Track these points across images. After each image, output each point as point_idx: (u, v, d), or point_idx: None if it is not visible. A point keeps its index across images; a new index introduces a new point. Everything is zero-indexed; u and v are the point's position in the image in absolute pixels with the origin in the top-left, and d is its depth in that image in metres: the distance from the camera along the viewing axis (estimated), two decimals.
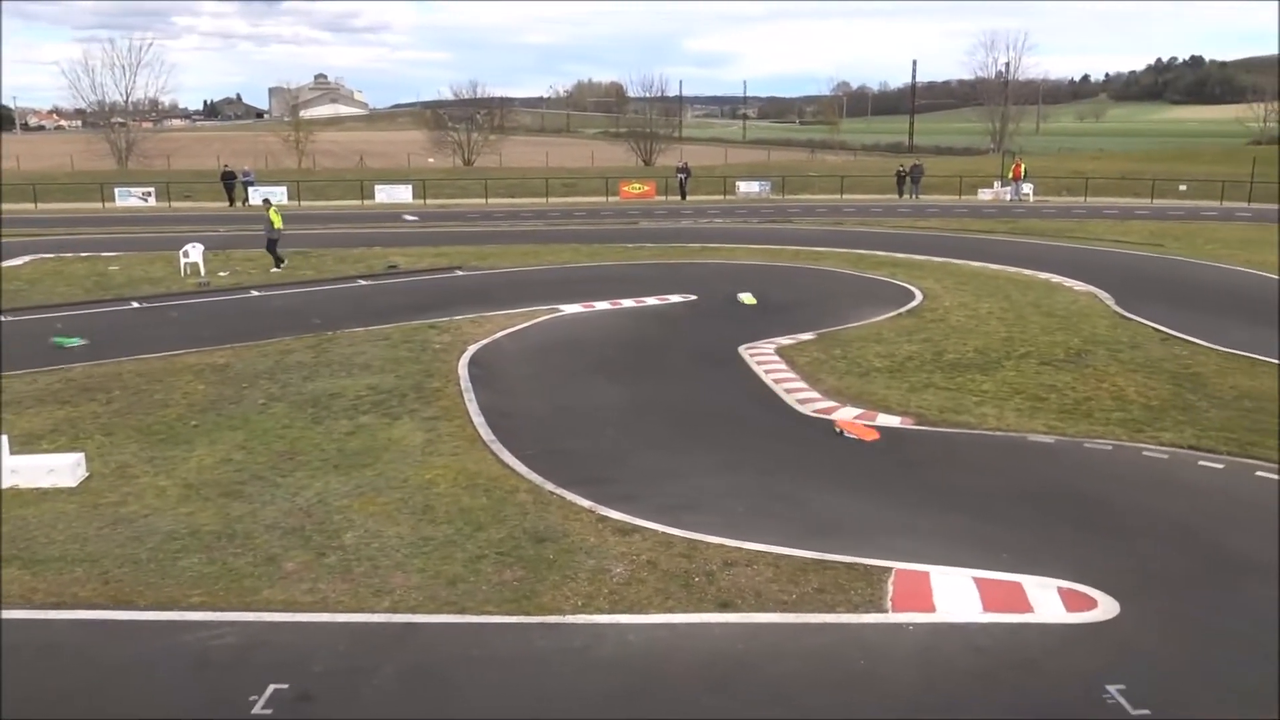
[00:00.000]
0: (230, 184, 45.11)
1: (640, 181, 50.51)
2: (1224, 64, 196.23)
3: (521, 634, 7.59)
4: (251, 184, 45.12)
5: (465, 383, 14.59)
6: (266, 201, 28.71)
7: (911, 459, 11.60)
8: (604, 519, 9.59)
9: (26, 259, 27.19)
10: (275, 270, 25.09)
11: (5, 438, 10.81)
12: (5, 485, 10.44)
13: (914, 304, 20.67)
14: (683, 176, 47.54)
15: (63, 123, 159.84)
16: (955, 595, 8.12)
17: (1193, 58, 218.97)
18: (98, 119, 76.83)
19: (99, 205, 44.18)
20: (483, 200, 47.04)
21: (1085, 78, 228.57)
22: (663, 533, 9.26)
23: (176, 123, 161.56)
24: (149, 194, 45.91)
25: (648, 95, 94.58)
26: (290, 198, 45.36)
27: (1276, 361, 15.48)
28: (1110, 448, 11.87)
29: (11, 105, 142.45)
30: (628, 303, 20.76)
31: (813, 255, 27.74)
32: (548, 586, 8.26)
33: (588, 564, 8.66)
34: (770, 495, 10.37)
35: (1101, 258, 27.68)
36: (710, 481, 10.75)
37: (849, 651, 7.35)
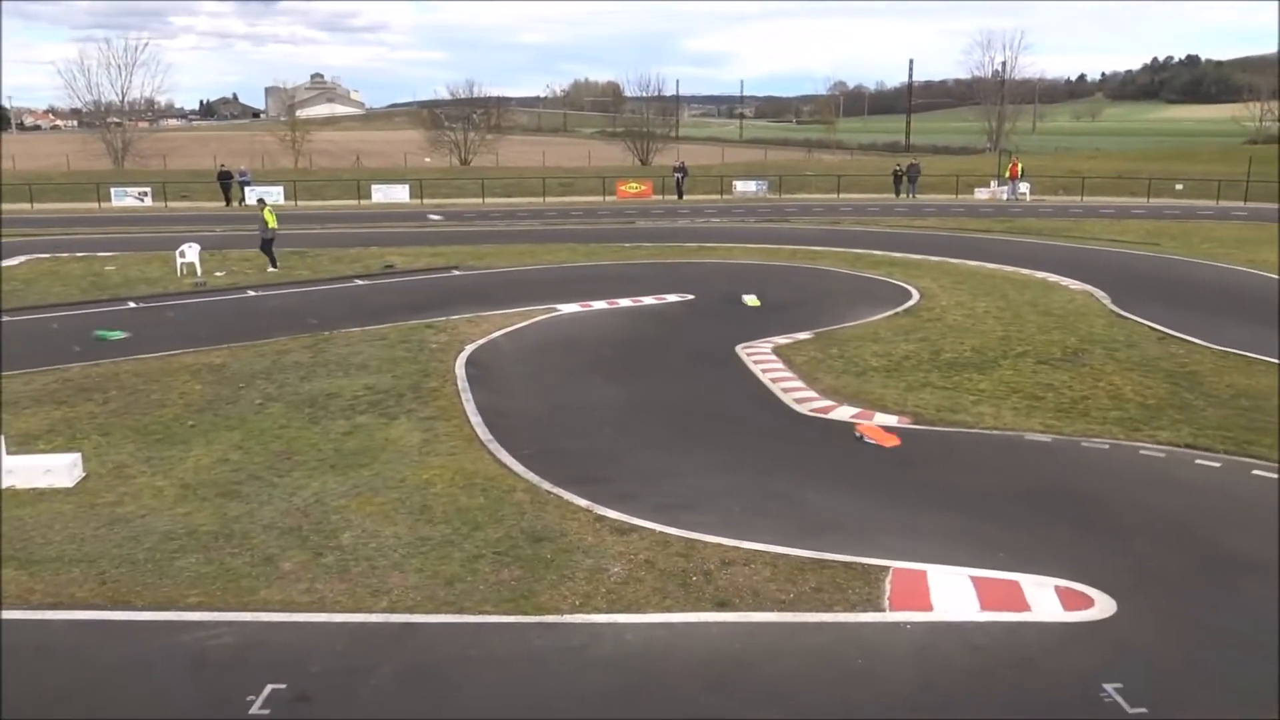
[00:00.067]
0: (227, 184, 45.00)
1: (637, 181, 50.48)
2: (1220, 63, 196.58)
3: (519, 634, 7.58)
4: (248, 184, 45.01)
5: (462, 382, 14.59)
6: (261, 201, 28.64)
7: (909, 458, 11.61)
8: (601, 518, 9.59)
9: (22, 259, 27.13)
10: (272, 270, 25.05)
11: (2, 438, 10.80)
12: (2, 486, 10.42)
13: (911, 303, 20.69)
14: (680, 176, 47.54)
15: (58, 122, 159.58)
16: (953, 594, 8.13)
17: (1189, 57, 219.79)
18: (94, 119, 76.75)
19: (95, 205, 44.08)
20: (479, 200, 47.02)
21: (1081, 77, 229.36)
22: (660, 532, 9.26)
23: (173, 122, 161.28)
24: (145, 194, 45.82)
25: (644, 95, 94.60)
26: (287, 197, 45.30)
27: (1272, 360, 15.52)
28: (1107, 446, 11.89)
29: (7, 105, 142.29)
30: (625, 302, 20.76)
31: (809, 254, 27.76)
32: (545, 586, 8.26)
33: (585, 563, 8.66)
34: (767, 494, 10.37)
35: (1098, 257, 27.72)
36: (708, 481, 10.75)
37: (847, 650, 7.35)
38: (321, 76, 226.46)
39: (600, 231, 34.02)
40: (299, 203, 45.24)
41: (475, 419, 12.82)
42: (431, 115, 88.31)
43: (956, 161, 69.19)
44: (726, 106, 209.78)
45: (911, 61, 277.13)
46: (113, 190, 46.01)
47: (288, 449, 11.73)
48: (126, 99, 73.80)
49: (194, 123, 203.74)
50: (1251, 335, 17.17)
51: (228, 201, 44.46)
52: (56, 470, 10.63)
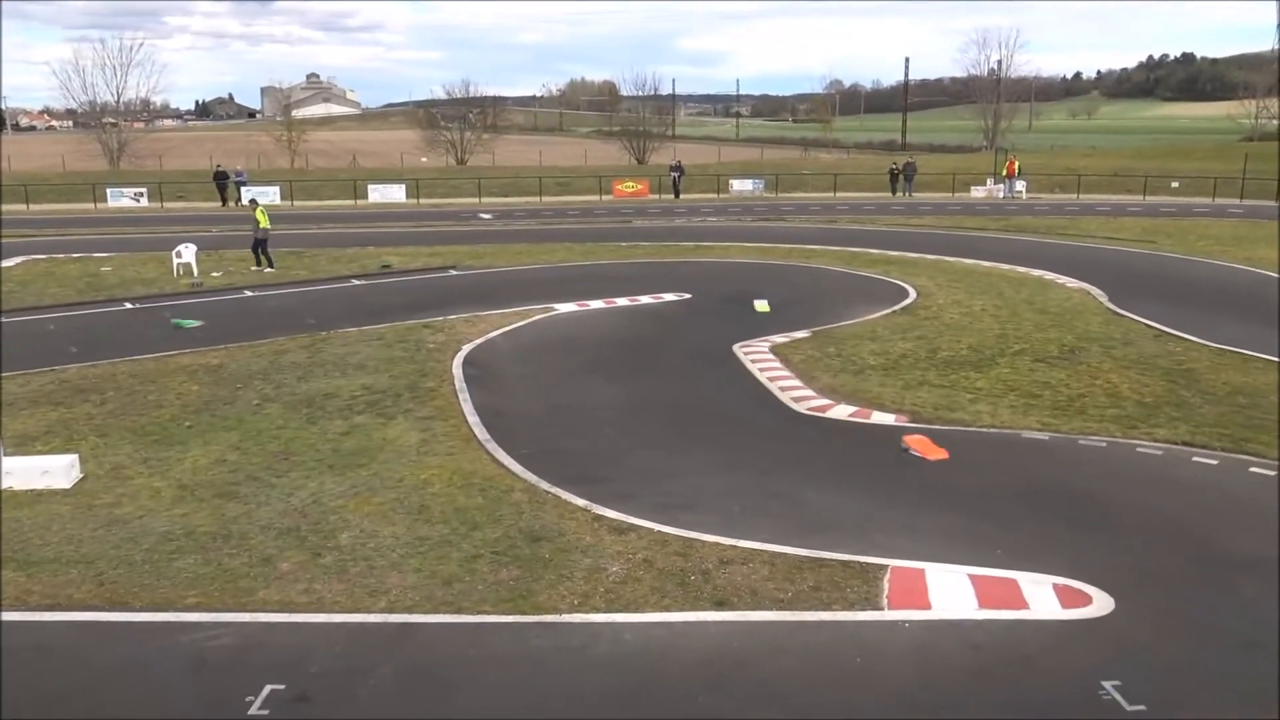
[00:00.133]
0: (223, 184, 44.96)
1: (634, 180, 50.48)
2: (1215, 61, 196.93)
3: (518, 633, 7.58)
4: (244, 184, 44.98)
5: (460, 382, 14.58)
6: (253, 202, 28.68)
7: (907, 456, 11.61)
8: (600, 518, 9.60)
9: (19, 260, 27.09)
10: (268, 270, 25.03)
11: (0, 440, 10.79)
12: (0, 487, 10.41)
13: (908, 301, 20.70)
14: (676, 175, 47.52)
15: (54, 123, 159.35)
16: (951, 592, 8.14)
17: (1184, 55, 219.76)
18: (89, 119, 76.68)
19: (91, 206, 44.02)
20: (476, 199, 46.98)
21: (1077, 75, 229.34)
22: (658, 531, 9.27)
23: (168, 123, 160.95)
24: (141, 194, 45.76)
25: (641, 94, 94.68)
26: (283, 197, 45.26)
27: (1269, 357, 15.55)
28: (1104, 444, 11.90)
29: (3, 106, 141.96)
30: (622, 301, 20.76)
31: (806, 253, 27.77)
32: (544, 586, 8.25)
33: (584, 563, 8.66)
34: (765, 493, 10.37)
35: (1094, 254, 27.76)
36: (706, 480, 10.75)
37: (845, 649, 7.36)
38: (317, 76, 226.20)
39: (597, 231, 34.02)
40: (295, 203, 45.17)
41: (473, 419, 12.82)
42: (428, 115, 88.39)
43: (953, 160, 69.24)
44: (723, 105, 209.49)
45: (907, 60, 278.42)
46: (109, 191, 45.94)
47: (285, 449, 11.72)
48: (122, 99, 73.86)
49: (190, 123, 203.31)
50: (1248, 333, 17.20)
51: (224, 202, 44.42)
52: (54, 471, 10.61)
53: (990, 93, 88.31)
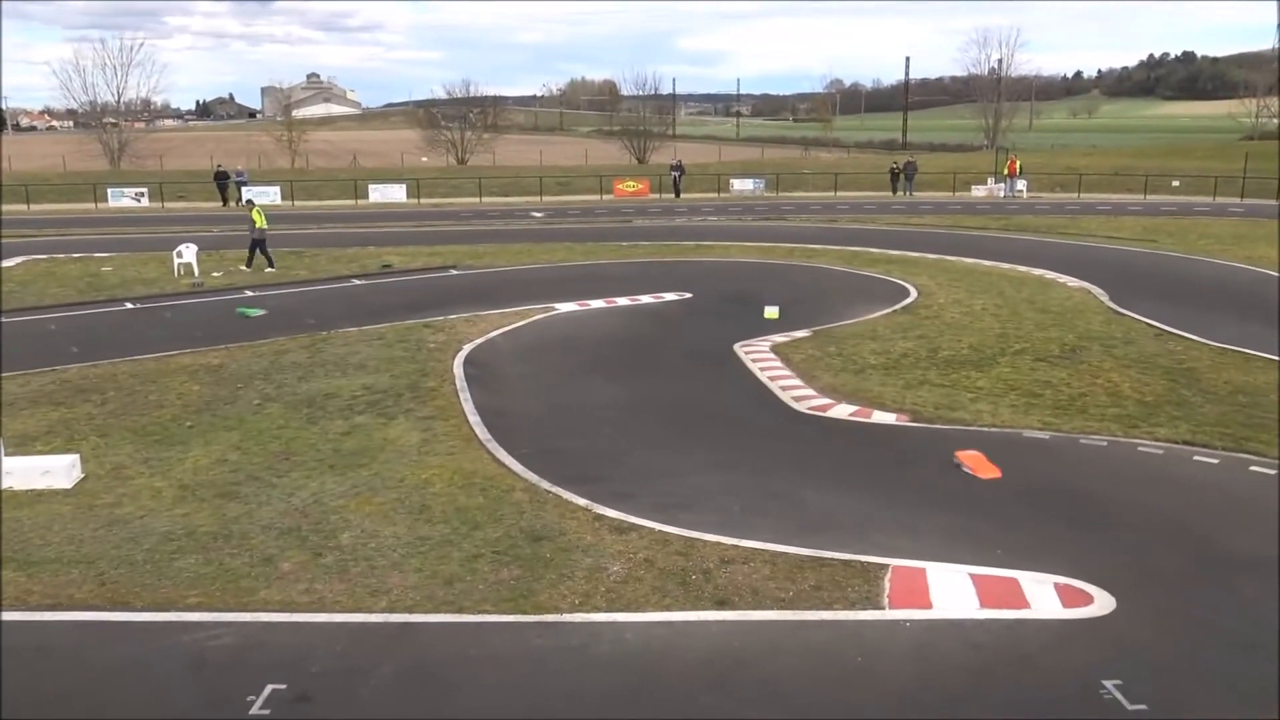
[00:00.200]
0: (223, 184, 44.97)
1: (634, 179, 50.48)
2: (1215, 60, 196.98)
3: (519, 633, 7.58)
4: (245, 184, 44.98)
5: (460, 382, 14.58)
6: (250, 202, 28.69)
7: (907, 456, 11.62)
8: (600, 517, 9.59)
9: (19, 260, 27.10)
10: (269, 270, 25.03)
11: (0, 440, 10.78)
12: (1, 487, 10.41)
13: (908, 301, 20.70)
14: (677, 174, 47.53)
15: (54, 123, 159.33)
16: (952, 592, 8.14)
17: (1185, 54, 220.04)
18: (89, 119, 76.71)
19: (91, 206, 44.05)
20: (476, 199, 46.99)
21: (1078, 74, 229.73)
22: (659, 531, 9.26)
23: (169, 123, 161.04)
24: (142, 194, 45.77)
25: (641, 93, 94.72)
26: (284, 197, 45.28)
27: (1270, 356, 15.55)
28: (1105, 443, 11.90)
29: (4, 106, 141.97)
30: (623, 301, 20.76)
31: (807, 252, 27.76)
32: (544, 585, 8.25)
33: (584, 562, 8.66)
34: (766, 493, 10.37)
35: (1095, 254, 27.74)
36: (706, 479, 10.75)
37: (846, 648, 7.35)
38: (318, 76, 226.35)
39: (598, 230, 34.02)
40: (296, 203, 45.18)
41: (474, 418, 12.82)
42: (428, 115, 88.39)
43: (953, 159, 69.23)
44: (723, 105, 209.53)
45: (908, 59, 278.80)
46: (109, 191, 45.96)
47: (286, 449, 11.73)
48: (122, 99, 73.93)
49: (190, 123, 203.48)
50: (1249, 332, 17.20)
51: (224, 202, 44.42)
52: (55, 471, 10.61)
53: (991, 92, 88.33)
